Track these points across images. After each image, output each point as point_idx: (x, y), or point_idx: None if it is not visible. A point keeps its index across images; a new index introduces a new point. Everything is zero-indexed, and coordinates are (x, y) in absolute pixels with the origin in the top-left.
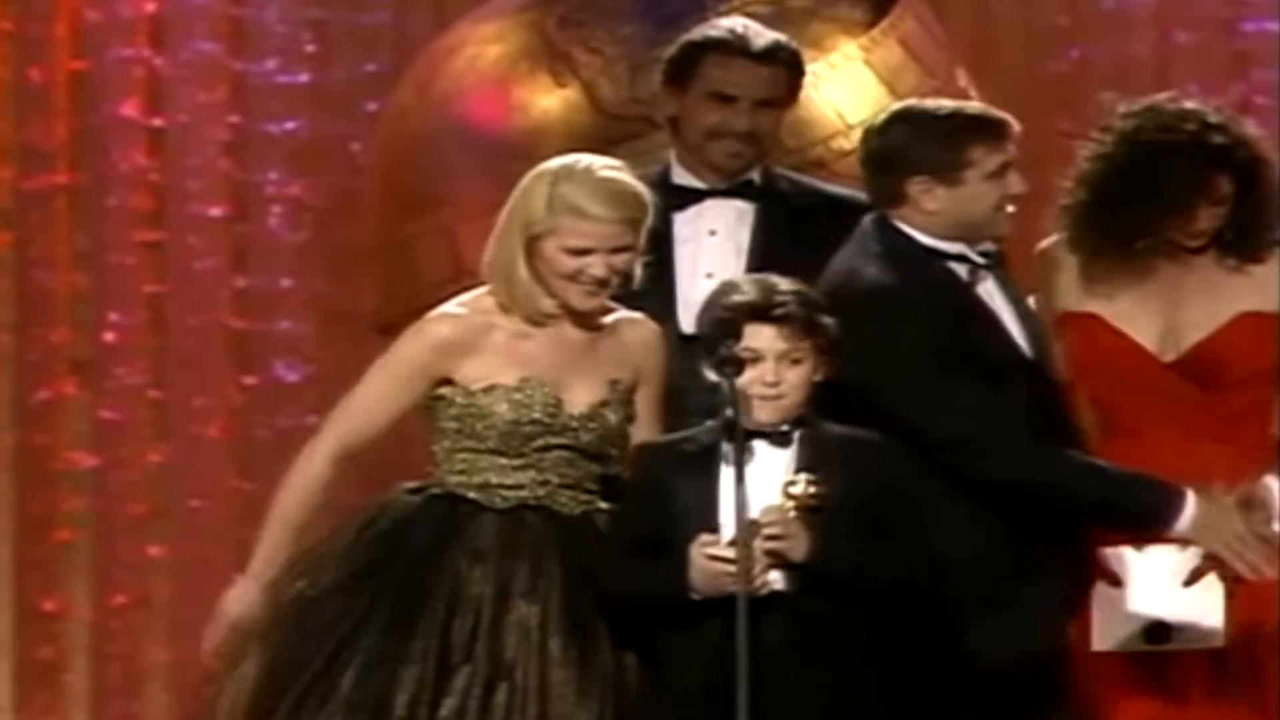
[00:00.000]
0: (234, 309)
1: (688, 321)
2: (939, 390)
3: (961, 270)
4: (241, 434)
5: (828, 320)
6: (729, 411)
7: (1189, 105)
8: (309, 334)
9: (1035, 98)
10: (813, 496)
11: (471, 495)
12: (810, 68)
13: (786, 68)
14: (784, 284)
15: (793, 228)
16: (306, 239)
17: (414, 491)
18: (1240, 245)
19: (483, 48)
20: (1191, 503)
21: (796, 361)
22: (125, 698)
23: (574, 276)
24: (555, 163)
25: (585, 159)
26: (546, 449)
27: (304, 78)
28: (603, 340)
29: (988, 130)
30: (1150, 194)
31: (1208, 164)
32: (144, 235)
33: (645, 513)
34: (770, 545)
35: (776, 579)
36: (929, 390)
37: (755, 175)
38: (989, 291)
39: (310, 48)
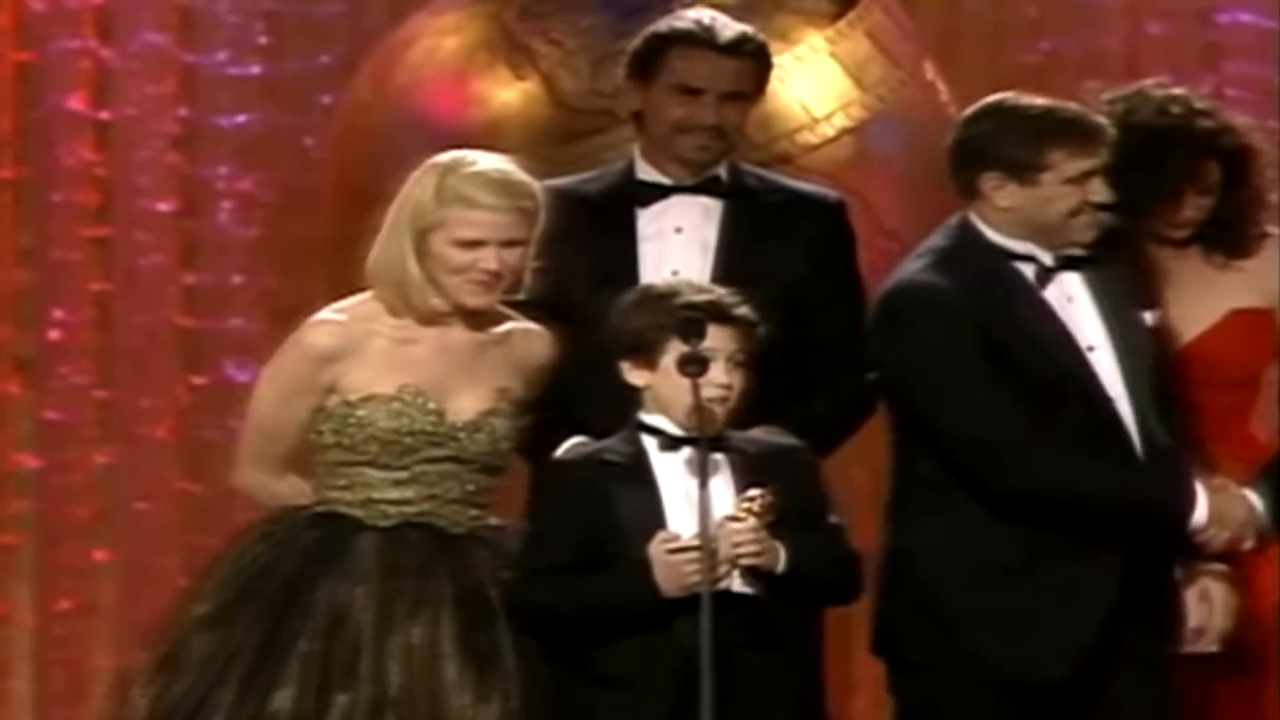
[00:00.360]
0: (183, 307)
1: None
2: (960, 392)
3: (1029, 271)
4: (190, 435)
5: (761, 332)
6: (692, 412)
7: (1175, 90)
8: (260, 333)
9: (1004, 90)
10: (766, 508)
11: (355, 513)
12: (776, 60)
13: (754, 60)
14: (717, 287)
15: (761, 225)
16: (258, 235)
17: (295, 509)
18: (1225, 240)
19: (440, 39)
20: (1203, 492)
21: (740, 364)
22: (69, 704)
23: (465, 271)
24: (443, 156)
25: (474, 153)
26: (430, 461)
27: (256, 70)
28: (493, 347)
29: (1074, 134)
30: (1138, 179)
31: (1197, 149)
32: (90, 231)
33: (575, 530)
34: (749, 562)
35: (737, 577)
36: (950, 392)
37: (722, 171)
38: (1064, 295)
39: (262, 39)
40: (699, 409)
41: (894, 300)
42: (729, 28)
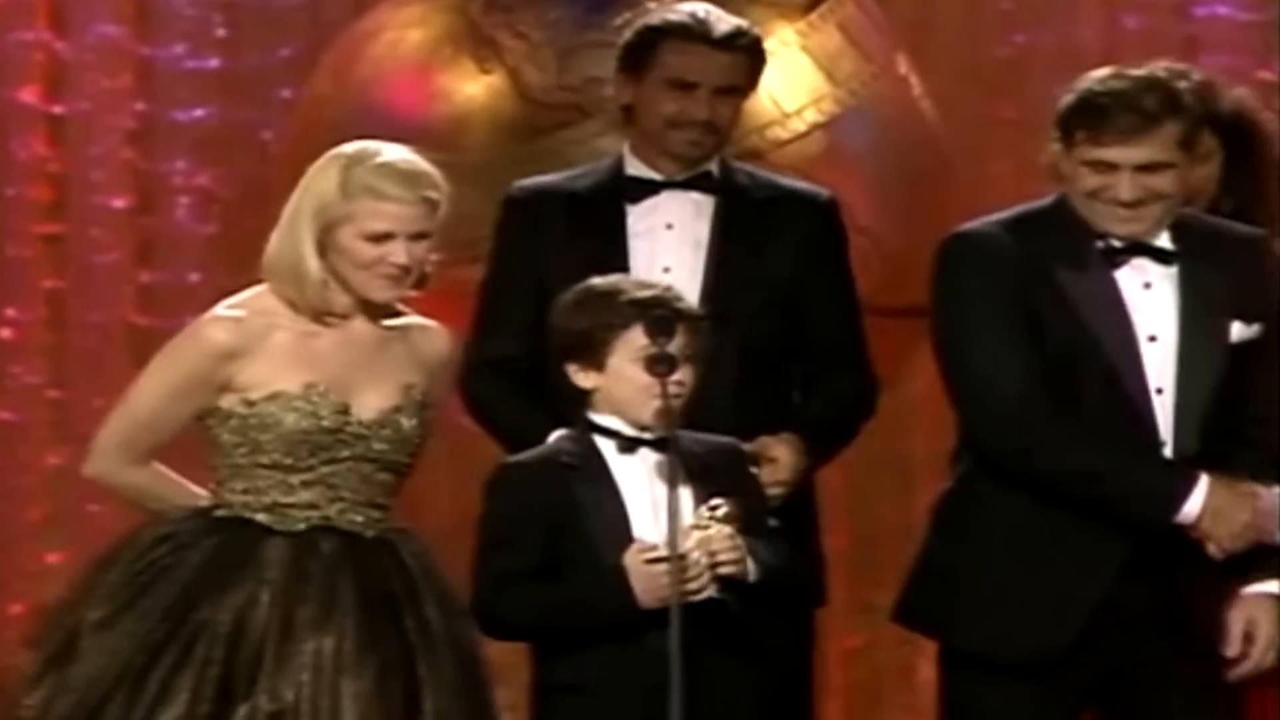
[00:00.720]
0: (138, 305)
1: None
2: (974, 335)
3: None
4: None
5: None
6: (660, 413)
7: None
8: None
9: (978, 84)
10: (729, 518)
11: (259, 518)
12: None
13: (747, 54)
14: (659, 282)
15: (753, 222)
16: (215, 232)
17: (196, 513)
18: (1241, 219)
19: (403, 32)
20: (1204, 485)
21: (689, 361)
22: None
23: (374, 266)
24: (346, 148)
25: (377, 143)
26: (336, 461)
27: (214, 63)
28: (394, 342)
29: (1087, 118)
30: None
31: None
32: (43, 228)
33: (540, 532)
34: (729, 570)
35: (711, 587)
36: (965, 334)
37: (713, 167)
38: (1140, 280)
39: (220, 31)
40: (668, 410)
41: (945, 245)
42: (723, 21)
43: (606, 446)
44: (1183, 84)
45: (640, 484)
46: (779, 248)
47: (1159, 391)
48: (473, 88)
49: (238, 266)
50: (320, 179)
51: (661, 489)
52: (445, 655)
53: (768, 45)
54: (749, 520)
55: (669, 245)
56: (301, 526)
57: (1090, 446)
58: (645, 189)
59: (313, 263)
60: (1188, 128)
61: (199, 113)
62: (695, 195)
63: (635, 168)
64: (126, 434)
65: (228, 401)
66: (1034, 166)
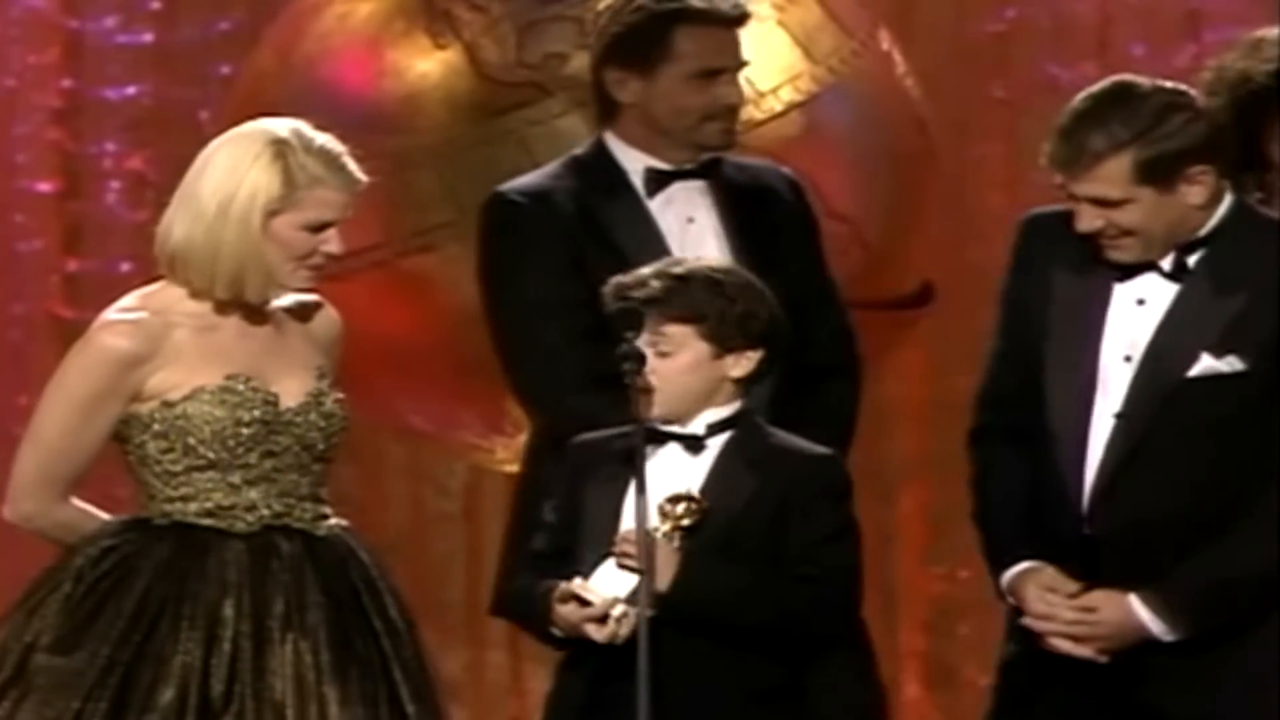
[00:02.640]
0: (64, 296)
1: None
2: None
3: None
4: None
5: (718, 303)
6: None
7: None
8: None
9: (966, 61)
10: (684, 515)
11: (203, 522)
12: None
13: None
14: (674, 267)
15: (750, 209)
16: (147, 218)
17: (135, 524)
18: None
19: (353, 5)
20: (1028, 568)
21: (663, 354)
22: None
23: (308, 256)
24: (269, 132)
25: (291, 123)
26: (274, 453)
27: (147, 37)
28: (288, 324)
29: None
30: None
31: None
32: None
33: (550, 520)
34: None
35: (627, 628)
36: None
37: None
38: (1134, 297)
39: (154, 4)
40: (637, 409)
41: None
42: None
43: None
44: (1173, 112)
45: (651, 479)
46: (776, 235)
47: (1120, 417)
48: (426, 64)
49: None
50: (255, 166)
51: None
52: (411, 656)
53: None
54: (765, 534)
55: (698, 239)
56: (251, 527)
57: (992, 463)
58: (658, 181)
59: (269, 254)
60: (1148, 158)
61: (131, 90)
62: (697, 183)
63: (634, 159)
64: (43, 468)
65: (145, 408)
66: (1025, 148)
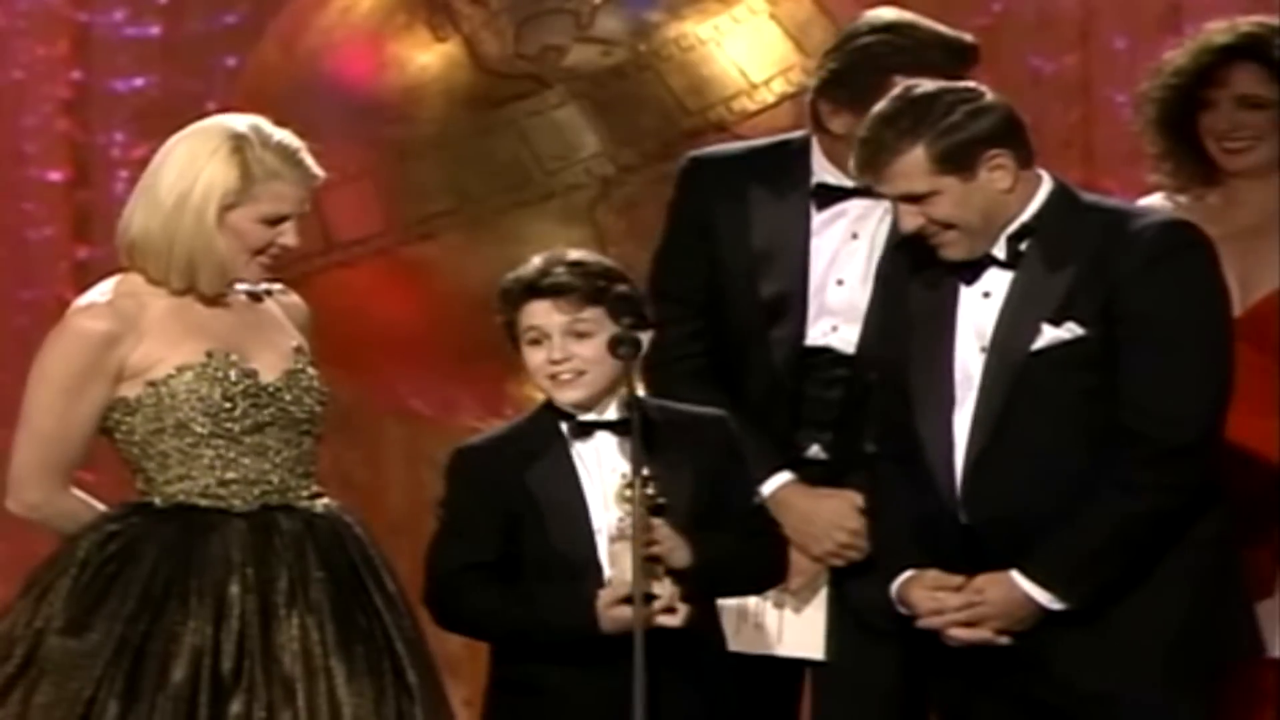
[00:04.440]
0: (74, 283)
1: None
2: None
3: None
4: None
5: (619, 287)
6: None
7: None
8: None
9: None
10: (656, 495)
11: (202, 503)
12: (713, 22)
13: None
14: (568, 254)
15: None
16: None
17: (138, 508)
18: None
19: None
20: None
21: (584, 334)
22: None
23: (264, 249)
24: (228, 128)
25: (250, 119)
26: (259, 428)
27: (154, 30)
28: (254, 308)
29: None
30: (1164, 84)
31: (1219, 51)
32: None
33: (496, 520)
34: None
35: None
36: None
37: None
38: (974, 291)
39: None
40: (631, 390)
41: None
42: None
43: (565, 429)
44: (960, 105)
45: (594, 469)
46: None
47: (978, 403)
48: (427, 57)
49: None
50: (212, 161)
51: (612, 474)
52: (409, 628)
53: (734, 13)
54: (708, 499)
55: (851, 256)
56: (250, 505)
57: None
58: (835, 195)
59: (221, 247)
60: (942, 148)
61: (139, 82)
62: (871, 201)
63: (828, 173)
64: (41, 455)
65: (130, 390)
66: None
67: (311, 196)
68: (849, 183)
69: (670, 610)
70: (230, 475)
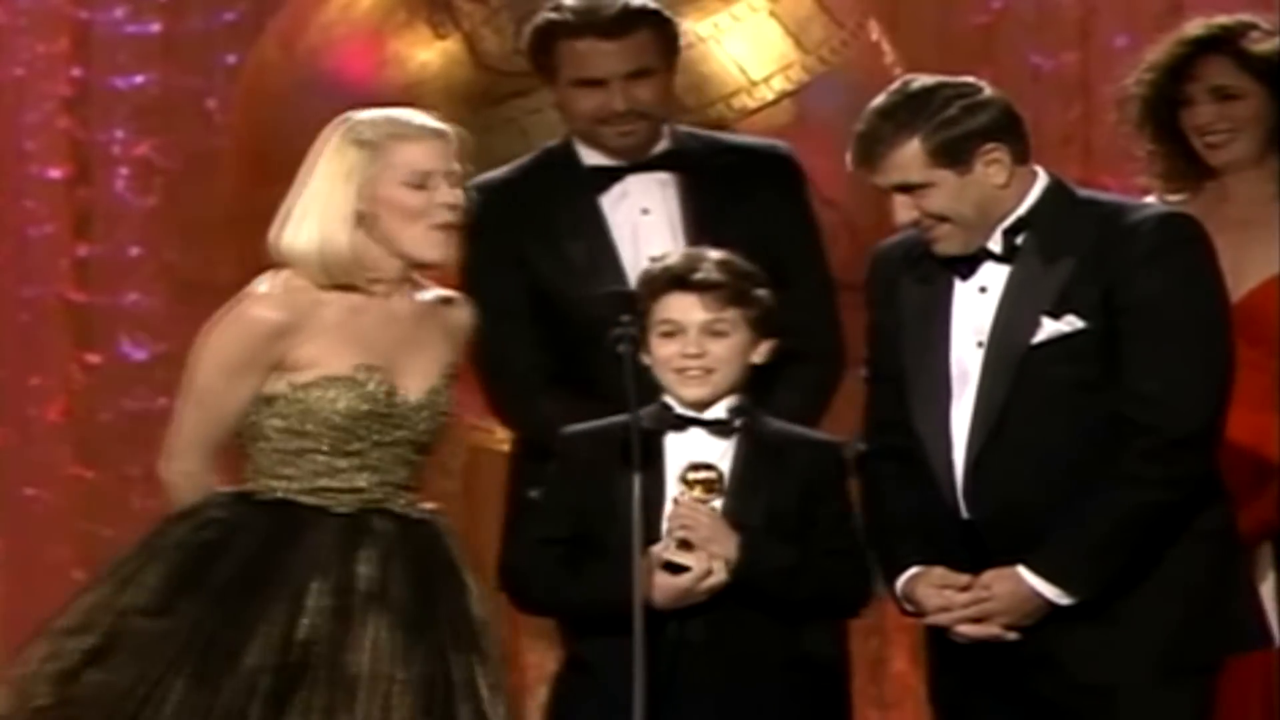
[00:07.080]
0: (75, 280)
1: None
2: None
3: None
4: (83, 417)
5: (759, 292)
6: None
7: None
8: (158, 308)
9: (952, 52)
10: (708, 483)
11: (306, 500)
12: (712, 19)
13: (650, 31)
14: (711, 253)
15: (720, 195)
16: (156, 204)
17: (239, 497)
18: None
19: None
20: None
21: (720, 334)
22: None
23: (425, 214)
24: (343, 121)
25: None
26: (382, 445)
27: (155, 27)
28: (428, 316)
29: None
30: (1140, 79)
31: (1191, 44)
32: None
33: (573, 504)
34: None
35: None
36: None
37: (666, 143)
38: (970, 287)
39: None
40: (630, 389)
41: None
42: (611, 5)
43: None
44: (956, 99)
45: (680, 464)
46: (750, 216)
47: (978, 397)
48: (427, 54)
49: (179, 240)
50: (336, 157)
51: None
52: (488, 638)
53: (734, 10)
54: (794, 518)
55: (651, 231)
56: (349, 508)
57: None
58: (608, 176)
59: (346, 239)
60: (938, 141)
61: (139, 79)
62: (659, 175)
63: (591, 156)
64: (194, 429)
65: (275, 386)
66: None
67: (454, 151)
68: (613, 162)
69: (708, 574)
70: (336, 483)
